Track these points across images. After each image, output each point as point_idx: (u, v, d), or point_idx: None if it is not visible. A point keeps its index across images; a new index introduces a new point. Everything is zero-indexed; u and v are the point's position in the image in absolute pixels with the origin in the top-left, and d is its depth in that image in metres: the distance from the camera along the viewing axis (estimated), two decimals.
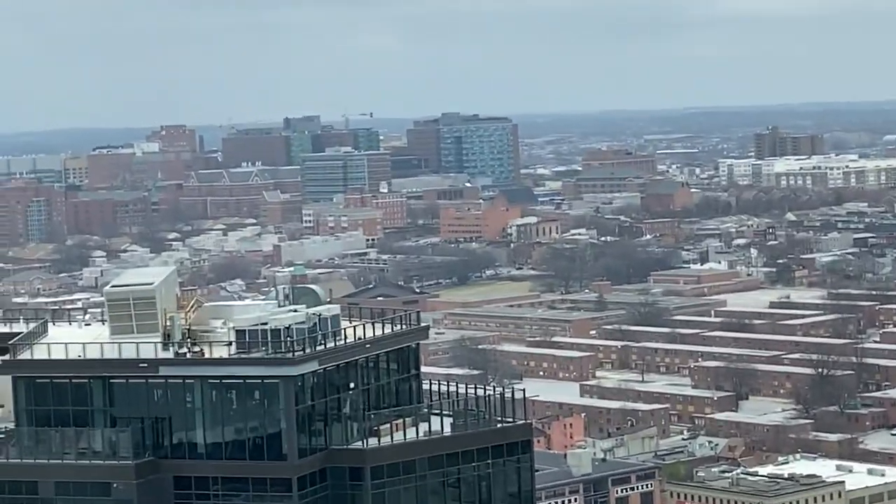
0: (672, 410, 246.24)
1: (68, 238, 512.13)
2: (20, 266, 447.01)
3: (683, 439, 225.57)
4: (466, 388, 74.39)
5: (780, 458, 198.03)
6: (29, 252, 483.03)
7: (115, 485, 67.04)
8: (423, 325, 76.16)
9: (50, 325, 75.13)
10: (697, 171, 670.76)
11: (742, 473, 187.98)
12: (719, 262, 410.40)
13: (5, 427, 69.43)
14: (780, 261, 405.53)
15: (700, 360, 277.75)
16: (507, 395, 72.65)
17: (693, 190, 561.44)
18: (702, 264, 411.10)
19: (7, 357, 69.38)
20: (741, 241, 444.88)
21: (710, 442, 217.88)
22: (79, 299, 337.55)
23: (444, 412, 72.02)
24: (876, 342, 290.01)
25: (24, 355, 69.68)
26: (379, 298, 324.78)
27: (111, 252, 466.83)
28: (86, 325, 77.48)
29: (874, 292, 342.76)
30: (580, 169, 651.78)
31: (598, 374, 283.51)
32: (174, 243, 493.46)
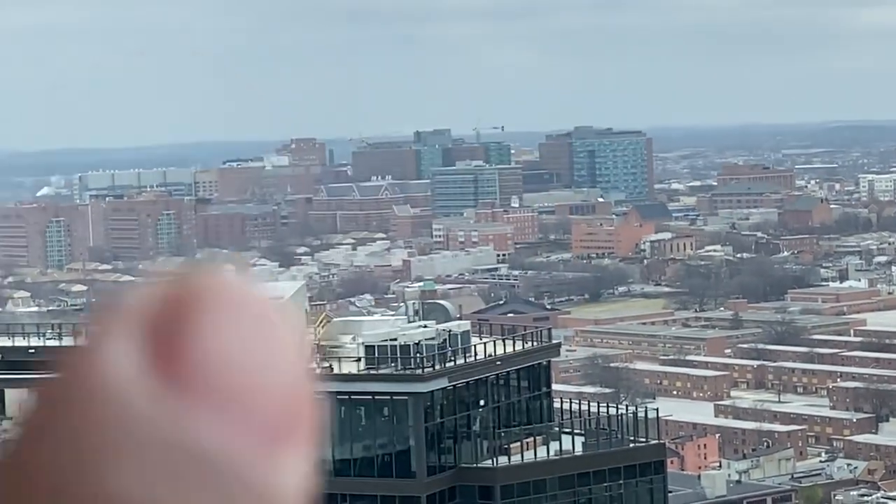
0: (809, 432, 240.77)
1: (198, 251, 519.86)
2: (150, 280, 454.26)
3: (821, 462, 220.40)
4: (598, 406, 73.31)
5: None
6: (159, 265, 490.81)
7: None
8: (554, 342, 75.26)
9: None
10: (837, 186, 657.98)
11: (882, 498, 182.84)
12: (859, 280, 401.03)
13: None
14: None
15: (839, 380, 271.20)
16: (640, 414, 71.42)
17: (832, 206, 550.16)
18: (841, 282, 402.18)
19: None
20: (882, 259, 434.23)
21: (848, 465, 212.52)
22: None
23: (576, 431, 70.95)
24: None
25: None
26: (509, 315, 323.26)
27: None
28: None
29: None
30: (716, 184, 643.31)
31: (733, 393, 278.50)
32: (303, 257, 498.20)
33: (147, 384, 1.71)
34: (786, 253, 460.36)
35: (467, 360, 68.75)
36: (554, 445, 69.79)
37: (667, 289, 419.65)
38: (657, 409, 74.83)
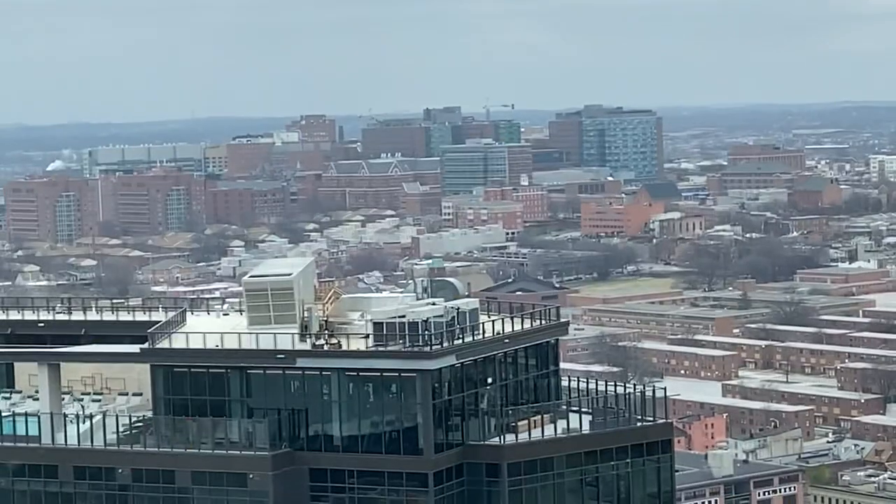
0: (817, 412, 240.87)
1: (207, 227, 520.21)
2: (159, 255, 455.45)
3: (828, 442, 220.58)
4: (606, 385, 73.32)
5: None
6: (168, 241, 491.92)
7: (251, 476, 67.07)
8: (562, 320, 75.11)
9: (188, 314, 75.56)
10: (847, 166, 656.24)
11: (889, 478, 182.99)
12: (868, 261, 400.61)
13: (143, 415, 69.91)
14: None
15: (847, 361, 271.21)
16: (648, 393, 71.38)
17: (842, 186, 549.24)
18: (850, 263, 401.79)
19: (146, 345, 69.90)
20: (892, 240, 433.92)
21: (856, 445, 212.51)
22: (217, 289, 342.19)
23: (583, 410, 71.00)
24: None
25: (163, 344, 70.08)
26: (518, 293, 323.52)
27: (249, 242, 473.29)
28: (224, 314, 77.73)
29: None
30: (726, 163, 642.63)
31: (741, 373, 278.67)
32: (312, 234, 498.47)
33: None
34: (795, 233, 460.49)
35: (475, 338, 68.45)
36: (561, 424, 69.44)
37: (675, 268, 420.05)
38: (665, 389, 74.78)
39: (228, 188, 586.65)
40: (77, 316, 78.19)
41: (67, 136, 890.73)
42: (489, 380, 69.18)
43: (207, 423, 67.68)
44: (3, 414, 70.59)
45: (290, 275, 70.86)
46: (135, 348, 70.20)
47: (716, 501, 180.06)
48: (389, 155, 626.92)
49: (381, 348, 67.18)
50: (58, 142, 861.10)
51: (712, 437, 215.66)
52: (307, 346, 68.24)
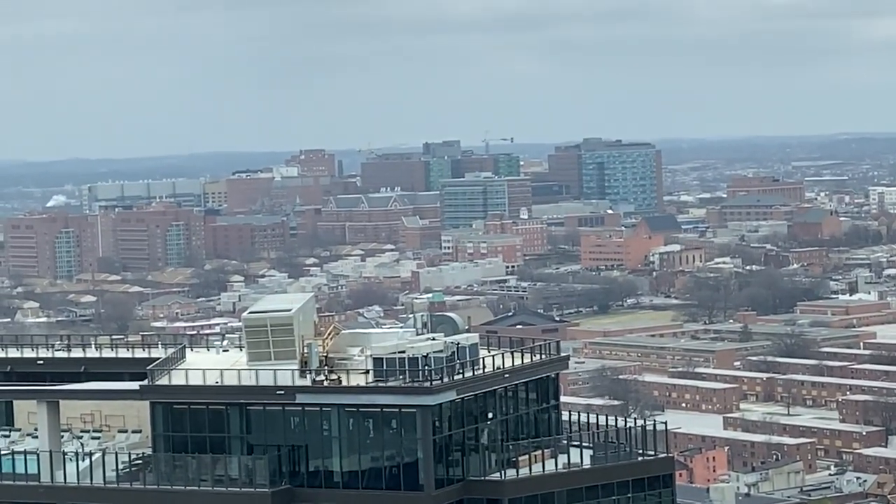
0: (819, 445, 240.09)
1: (206, 262, 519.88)
2: (158, 290, 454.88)
3: (830, 475, 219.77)
4: (607, 419, 73.12)
5: None
6: (167, 276, 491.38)
7: None
8: (563, 354, 75.03)
9: (188, 350, 75.45)
10: (847, 198, 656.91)
11: None
12: (869, 293, 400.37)
13: (143, 453, 69.64)
14: None
15: (848, 393, 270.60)
16: (649, 427, 71.16)
17: (842, 218, 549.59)
18: (851, 295, 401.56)
19: (145, 382, 69.72)
20: (892, 272, 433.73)
21: (858, 478, 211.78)
22: (217, 324, 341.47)
23: (584, 444, 70.75)
24: None
25: (162, 381, 69.98)
26: (518, 326, 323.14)
27: (249, 277, 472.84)
28: (223, 350, 77.58)
29: None
30: (725, 196, 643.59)
31: (742, 406, 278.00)
32: (312, 269, 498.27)
33: None
34: (795, 265, 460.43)
35: (476, 373, 68.44)
36: (562, 458, 69.36)
37: (676, 301, 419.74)
38: (666, 422, 74.46)
39: (228, 223, 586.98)
40: (76, 353, 77.98)
41: (66, 171, 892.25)
42: (490, 414, 69.02)
43: (207, 460, 67.48)
44: (2, 452, 70.33)
45: (289, 310, 70.75)
46: (134, 385, 70.01)
47: None
48: (389, 189, 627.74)
49: (381, 384, 67.05)
50: (57, 178, 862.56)
51: (714, 471, 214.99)
52: (307, 381, 68.11)
